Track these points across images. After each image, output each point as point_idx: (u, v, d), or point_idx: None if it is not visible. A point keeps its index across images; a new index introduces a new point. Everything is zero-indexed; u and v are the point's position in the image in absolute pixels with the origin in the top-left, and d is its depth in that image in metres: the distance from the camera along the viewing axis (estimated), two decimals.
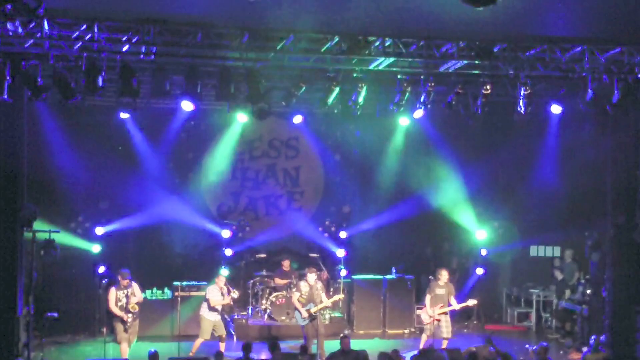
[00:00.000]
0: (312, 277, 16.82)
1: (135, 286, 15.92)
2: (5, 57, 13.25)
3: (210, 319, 16.54)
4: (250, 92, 14.55)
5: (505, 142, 20.32)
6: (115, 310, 15.64)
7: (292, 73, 15.29)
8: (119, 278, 15.90)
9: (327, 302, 16.93)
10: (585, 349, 16.63)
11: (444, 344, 16.50)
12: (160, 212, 20.01)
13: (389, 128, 20.83)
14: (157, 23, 12.80)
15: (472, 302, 17.30)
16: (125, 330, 15.64)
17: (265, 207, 22.13)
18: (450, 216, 20.97)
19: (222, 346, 16.44)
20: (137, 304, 15.77)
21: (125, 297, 15.70)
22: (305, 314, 16.42)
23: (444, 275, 16.94)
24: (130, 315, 15.67)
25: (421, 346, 16.55)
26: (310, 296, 16.53)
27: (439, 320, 16.66)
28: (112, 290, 15.81)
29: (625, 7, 12.27)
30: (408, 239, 22.05)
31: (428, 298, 16.93)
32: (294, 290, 18.45)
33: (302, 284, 16.95)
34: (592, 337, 15.53)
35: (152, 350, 13.59)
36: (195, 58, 14.06)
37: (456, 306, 16.94)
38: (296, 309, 16.76)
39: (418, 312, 18.72)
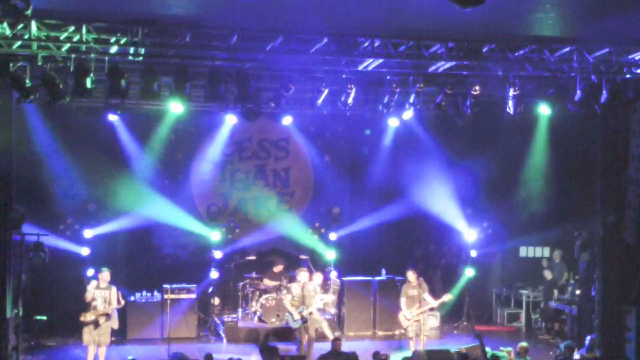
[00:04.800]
0: (304, 275, 16.75)
1: (113, 292, 15.82)
2: None
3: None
4: (239, 93, 14.52)
5: (494, 142, 20.37)
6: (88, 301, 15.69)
7: (282, 74, 15.28)
8: (99, 276, 15.81)
9: (319, 303, 16.90)
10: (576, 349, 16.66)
11: (422, 342, 16.50)
12: (150, 214, 19.97)
13: (378, 129, 20.84)
14: (145, 24, 12.76)
15: (447, 297, 17.34)
16: (86, 325, 15.58)
17: (255, 208, 22.10)
18: (440, 217, 20.98)
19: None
20: (106, 315, 15.66)
21: (102, 299, 15.62)
22: (297, 316, 16.39)
23: (411, 276, 16.95)
24: (90, 316, 15.61)
25: (412, 349, 16.58)
26: (302, 298, 16.49)
27: (417, 321, 16.67)
28: (93, 284, 15.76)
29: (613, 8, 12.30)
30: (398, 240, 22.10)
31: (403, 301, 16.94)
32: (284, 292, 18.46)
33: (294, 286, 16.91)
34: (588, 337, 15.57)
35: (131, 358, 13.52)
36: (184, 59, 14.02)
37: (434, 303, 16.94)
38: (288, 312, 16.73)
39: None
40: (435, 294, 17.37)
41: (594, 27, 13.37)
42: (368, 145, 22.03)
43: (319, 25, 13.19)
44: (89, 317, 15.56)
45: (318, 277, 17.85)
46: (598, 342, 16.10)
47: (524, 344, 14.48)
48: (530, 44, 14.19)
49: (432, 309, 17.40)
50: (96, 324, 15.56)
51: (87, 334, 15.61)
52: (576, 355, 14.66)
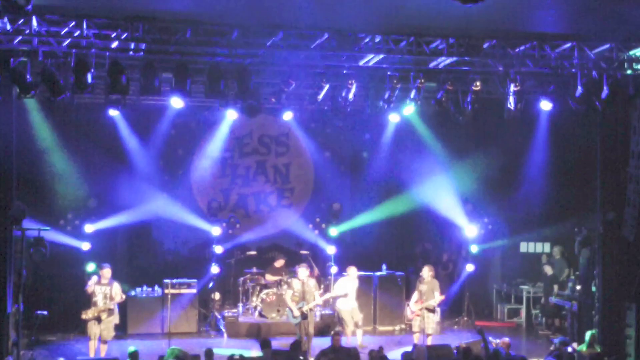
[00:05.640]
0: (303, 272, 16.79)
1: (115, 287, 15.84)
2: None
3: (347, 309, 17.37)
4: (239, 89, 14.52)
5: (495, 138, 20.36)
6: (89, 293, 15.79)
7: (282, 70, 15.28)
8: (100, 272, 15.85)
9: (319, 300, 16.94)
10: (574, 344, 16.68)
11: (428, 340, 16.56)
12: (150, 210, 19.96)
13: (379, 125, 20.84)
14: (146, 20, 12.77)
15: (439, 298, 17.32)
16: (85, 313, 15.65)
17: (255, 204, 22.10)
18: (441, 213, 20.96)
19: (360, 334, 17.32)
20: (109, 310, 15.68)
21: (102, 295, 15.62)
22: (297, 312, 16.41)
23: (425, 271, 17.02)
24: (92, 313, 15.62)
25: (415, 342, 16.65)
26: (302, 294, 16.51)
27: (418, 315, 16.72)
28: (94, 279, 15.80)
29: (614, 4, 12.29)
30: (398, 236, 22.10)
31: (414, 294, 17.07)
32: (285, 288, 18.49)
33: (295, 281, 16.93)
34: (589, 333, 15.60)
35: (132, 349, 13.54)
36: (185, 55, 14.02)
37: (432, 302, 16.94)
38: (288, 307, 16.75)
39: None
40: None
41: (594, 23, 13.37)
42: (368, 141, 22.02)
43: (319, 21, 13.21)
44: (90, 314, 15.59)
45: (353, 271, 17.78)
46: (598, 338, 16.11)
47: (506, 339, 14.58)
48: (531, 40, 14.20)
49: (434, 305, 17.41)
50: (99, 319, 15.59)
51: (90, 327, 15.65)
52: (569, 349, 14.71)
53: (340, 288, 17.74)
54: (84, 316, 15.67)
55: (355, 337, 17.58)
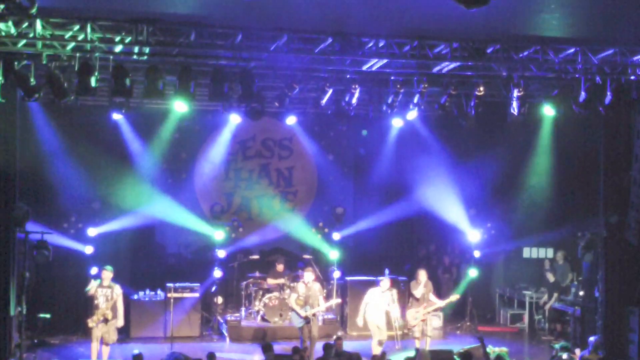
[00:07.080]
0: (308, 275, 16.76)
1: (116, 289, 15.83)
2: None
3: (378, 323, 16.67)
4: (243, 92, 14.52)
5: (498, 143, 20.37)
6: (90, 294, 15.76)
7: (286, 73, 15.28)
8: (102, 274, 15.85)
9: (323, 307, 16.88)
10: (577, 350, 16.67)
11: (427, 343, 16.53)
12: (153, 213, 19.99)
13: (382, 129, 20.85)
14: (150, 23, 12.77)
15: (454, 297, 17.31)
16: (91, 321, 15.60)
17: (258, 207, 22.10)
18: (444, 217, 20.96)
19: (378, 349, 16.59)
20: (112, 311, 15.69)
21: (104, 298, 15.61)
22: (302, 315, 16.40)
23: (422, 275, 16.94)
24: (97, 318, 15.62)
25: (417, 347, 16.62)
26: (307, 297, 16.50)
27: (423, 321, 16.68)
28: (96, 282, 15.80)
29: (619, 8, 12.29)
30: (401, 240, 22.06)
31: (411, 301, 16.98)
32: (287, 291, 18.49)
33: (300, 285, 16.92)
34: (593, 338, 15.57)
35: (136, 352, 13.53)
36: (189, 58, 14.02)
37: (440, 303, 16.94)
38: (293, 310, 16.71)
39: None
40: (438, 294, 17.36)
41: (598, 27, 13.37)
42: (371, 145, 22.02)
43: (323, 25, 13.21)
44: (95, 319, 15.54)
45: (386, 281, 17.05)
46: (601, 343, 16.08)
47: (504, 349, 14.62)
48: (534, 44, 14.19)
49: (436, 309, 17.38)
50: (105, 320, 15.56)
51: (93, 330, 15.64)
52: (564, 356, 14.69)
53: (370, 300, 16.86)
54: (90, 324, 15.60)
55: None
